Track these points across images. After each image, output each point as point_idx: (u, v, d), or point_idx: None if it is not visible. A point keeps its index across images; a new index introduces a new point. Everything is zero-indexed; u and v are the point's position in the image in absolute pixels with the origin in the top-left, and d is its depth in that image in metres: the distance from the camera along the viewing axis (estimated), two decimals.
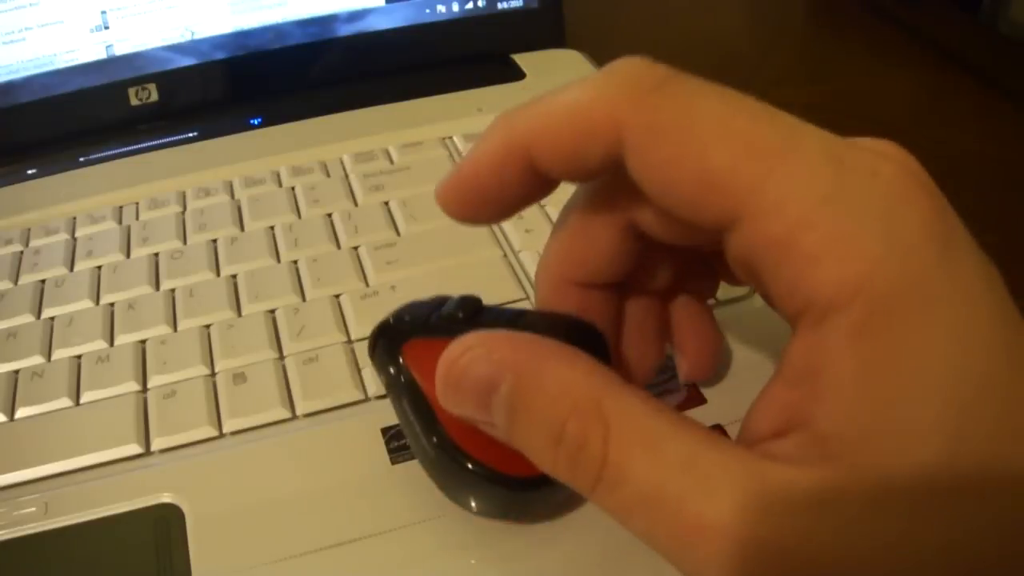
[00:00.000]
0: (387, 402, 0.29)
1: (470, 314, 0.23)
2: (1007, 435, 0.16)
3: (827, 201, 0.17)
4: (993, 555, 0.16)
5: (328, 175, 0.41)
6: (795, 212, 0.17)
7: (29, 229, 0.39)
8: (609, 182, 0.21)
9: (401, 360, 0.24)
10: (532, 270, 0.33)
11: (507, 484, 0.22)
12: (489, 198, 0.21)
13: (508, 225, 0.36)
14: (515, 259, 0.35)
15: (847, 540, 0.16)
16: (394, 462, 0.27)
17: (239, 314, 0.33)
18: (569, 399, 0.18)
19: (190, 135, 0.45)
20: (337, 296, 0.34)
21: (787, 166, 0.17)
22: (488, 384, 0.19)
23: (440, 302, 0.24)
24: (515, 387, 0.19)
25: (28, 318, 0.34)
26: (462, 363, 0.20)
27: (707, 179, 0.17)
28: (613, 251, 0.23)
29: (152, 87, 0.46)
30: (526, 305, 0.32)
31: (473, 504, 0.24)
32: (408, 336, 0.24)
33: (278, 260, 0.36)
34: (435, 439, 0.23)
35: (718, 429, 0.27)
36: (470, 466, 0.22)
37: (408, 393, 0.24)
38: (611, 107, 0.18)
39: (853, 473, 0.16)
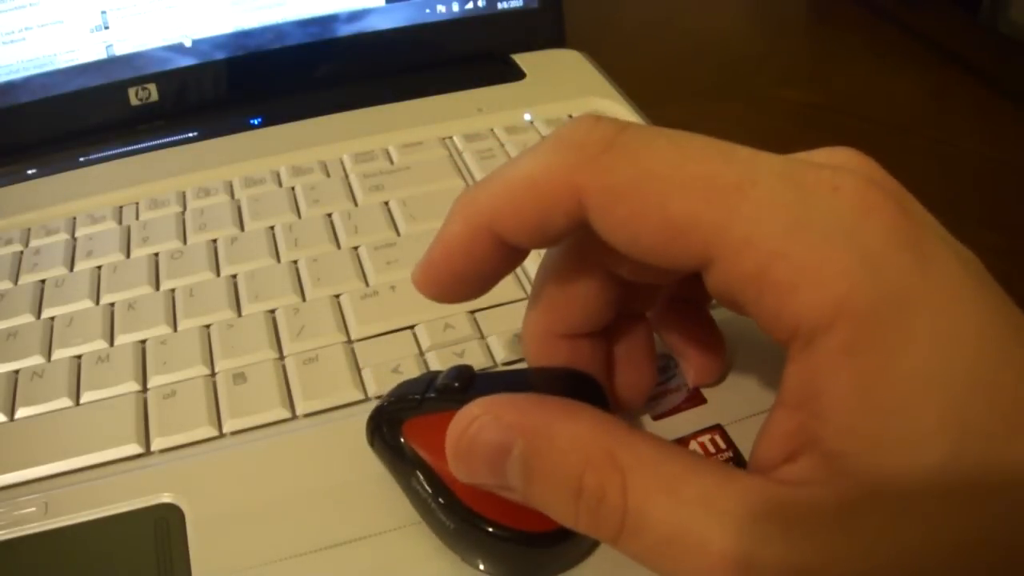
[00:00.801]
0: None
1: (465, 383, 0.23)
2: (1011, 427, 0.16)
3: (793, 228, 0.17)
4: (1011, 548, 0.16)
5: (328, 175, 0.41)
6: (764, 245, 0.17)
7: (29, 229, 0.39)
8: (581, 236, 0.21)
9: (403, 440, 0.24)
10: (532, 270, 0.33)
11: (532, 543, 0.22)
12: (464, 278, 0.22)
13: None
14: None
15: (870, 552, 0.16)
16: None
17: (239, 314, 0.33)
18: (582, 453, 0.18)
19: (190, 135, 0.45)
20: (337, 296, 0.34)
21: (748, 202, 0.17)
22: (500, 450, 0.19)
23: (431, 377, 0.25)
24: (527, 448, 0.19)
25: (28, 318, 0.34)
26: (471, 432, 0.20)
27: (672, 229, 0.18)
28: (594, 303, 0.23)
29: (152, 87, 0.46)
30: (523, 304, 0.32)
31: (496, 567, 0.24)
32: (405, 416, 0.24)
33: (278, 260, 0.36)
34: (452, 510, 0.23)
35: (718, 429, 0.27)
36: (491, 530, 0.22)
37: (416, 472, 0.24)
38: (566, 175, 0.19)
39: (866, 486, 0.16)
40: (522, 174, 0.19)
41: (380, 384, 0.30)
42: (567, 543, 0.22)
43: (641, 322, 0.26)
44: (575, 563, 0.24)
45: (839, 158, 0.19)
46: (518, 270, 0.34)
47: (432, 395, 0.24)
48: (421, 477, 0.24)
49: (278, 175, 0.41)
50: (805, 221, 0.17)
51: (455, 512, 0.23)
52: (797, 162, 0.18)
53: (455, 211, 0.21)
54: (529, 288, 0.33)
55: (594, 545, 0.24)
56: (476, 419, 0.20)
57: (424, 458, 0.24)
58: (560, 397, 0.20)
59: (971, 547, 0.16)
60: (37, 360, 0.32)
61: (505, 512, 0.22)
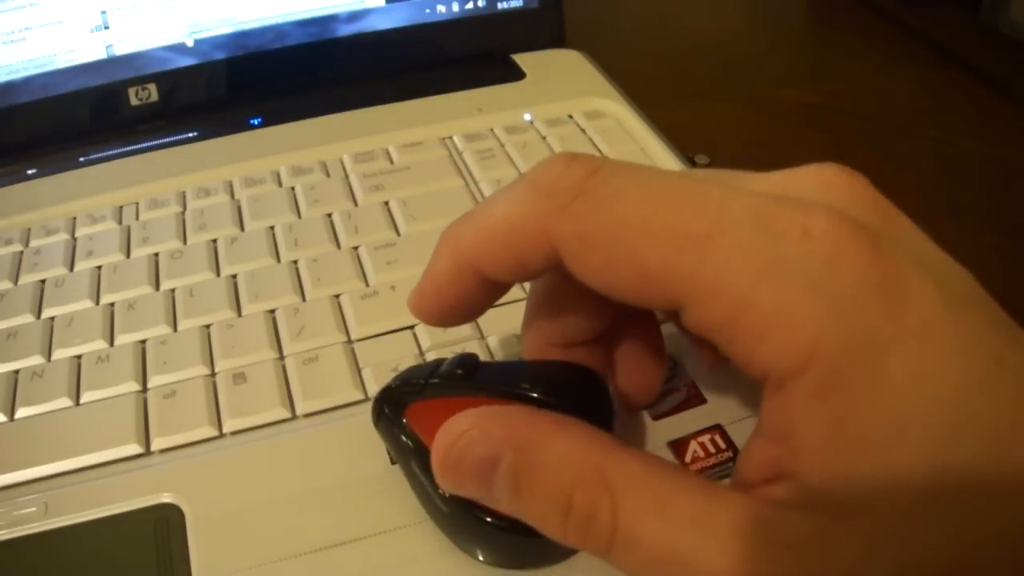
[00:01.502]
0: None
1: (469, 370, 0.23)
2: (991, 456, 0.16)
3: (762, 277, 0.17)
4: (992, 561, 0.16)
5: (328, 175, 0.41)
6: (733, 294, 0.17)
7: (29, 229, 0.39)
8: None
9: (405, 422, 0.24)
10: None
11: (528, 532, 0.22)
12: (455, 308, 0.22)
13: None
14: None
15: (853, 573, 0.16)
16: (394, 462, 0.27)
17: (239, 314, 0.33)
18: (571, 469, 0.18)
19: (190, 135, 0.45)
20: (337, 296, 0.34)
21: (717, 249, 0.17)
22: (488, 463, 0.19)
23: (436, 364, 0.25)
24: (515, 462, 0.19)
25: (28, 318, 0.34)
26: (459, 446, 0.20)
27: (643, 277, 0.18)
28: (587, 314, 0.23)
29: (152, 87, 0.46)
30: (523, 304, 0.32)
31: (492, 556, 0.24)
32: (410, 400, 0.25)
33: (278, 260, 0.36)
34: (449, 497, 0.23)
35: (717, 429, 0.27)
36: (488, 520, 0.22)
37: (416, 455, 0.24)
38: (539, 222, 0.19)
39: (842, 517, 0.16)
40: (498, 218, 0.20)
41: (380, 384, 0.29)
42: None
43: (646, 318, 0.26)
44: (570, 553, 0.24)
45: (822, 180, 0.19)
46: None
47: (436, 380, 0.24)
48: (420, 462, 0.24)
49: (278, 175, 0.41)
50: (774, 269, 0.17)
51: (452, 499, 0.23)
52: (769, 203, 0.18)
53: (440, 248, 0.22)
54: (528, 288, 0.33)
55: None
56: (464, 433, 0.20)
57: (424, 443, 0.24)
58: (550, 412, 0.20)
59: (952, 570, 0.16)
60: (37, 360, 0.32)
61: None
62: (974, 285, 0.18)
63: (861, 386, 0.16)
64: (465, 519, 0.23)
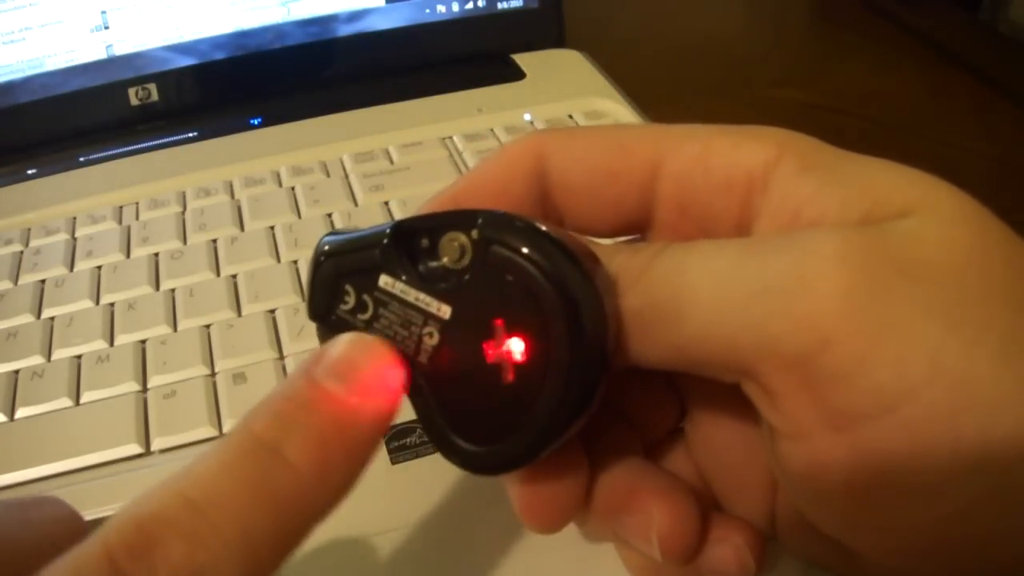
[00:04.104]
0: None
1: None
2: None
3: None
4: None
5: (328, 175, 0.41)
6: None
7: (29, 229, 0.39)
8: None
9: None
10: None
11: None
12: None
13: None
14: None
15: None
16: (394, 462, 0.27)
17: (239, 314, 0.33)
18: None
19: (190, 135, 0.45)
20: None
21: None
22: None
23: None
24: None
25: (28, 318, 0.34)
26: None
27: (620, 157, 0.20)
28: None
29: (152, 87, 0.46)
30: None
31: None
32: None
33: (278, 260, 0.36)
34: None
35: None
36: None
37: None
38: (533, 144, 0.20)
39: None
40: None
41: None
42: None
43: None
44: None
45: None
46: None
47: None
48: None
49: (278, 175, 0.41)
50: None
51: None
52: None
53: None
54: None
55: None
56: None
57: None
58: None
59: None
60: (37, 360, 0.32)
61: None
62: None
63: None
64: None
